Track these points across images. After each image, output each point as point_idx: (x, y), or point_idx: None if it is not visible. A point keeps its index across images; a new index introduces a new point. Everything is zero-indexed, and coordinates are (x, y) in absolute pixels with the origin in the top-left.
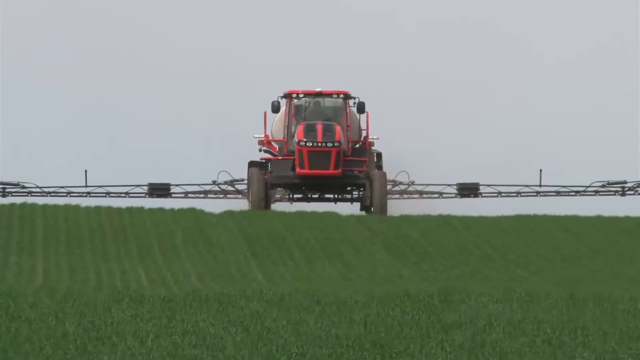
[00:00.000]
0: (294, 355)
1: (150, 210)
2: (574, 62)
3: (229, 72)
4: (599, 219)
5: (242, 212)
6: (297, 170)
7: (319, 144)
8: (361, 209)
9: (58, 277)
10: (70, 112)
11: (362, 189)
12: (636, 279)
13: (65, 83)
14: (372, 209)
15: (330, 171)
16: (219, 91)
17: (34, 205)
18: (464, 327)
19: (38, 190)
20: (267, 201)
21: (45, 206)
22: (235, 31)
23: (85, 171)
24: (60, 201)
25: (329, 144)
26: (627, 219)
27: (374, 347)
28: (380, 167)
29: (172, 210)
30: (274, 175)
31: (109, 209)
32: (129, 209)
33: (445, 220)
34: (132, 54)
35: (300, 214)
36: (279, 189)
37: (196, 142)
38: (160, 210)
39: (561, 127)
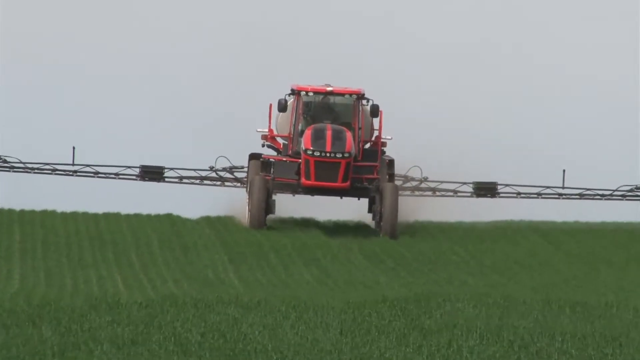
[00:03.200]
0: None
1: (127, 215)
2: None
3: (235, 57)
4: (575, 224)
5: (219, 218)
6: (302, 180)
7: (328, 154)
8: (372, 219)
9: (35, 283)
10: (62, 85)
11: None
12: (612, 284)
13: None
14: (381, 230)
15: (338, 184)
16: (222, 78)
17: (10, 211)
18: (441, 333)
19: (21, 165)
20: (267, 211)
21: (22, 212)
22: (245, 25)
23: (74, 148)
24: (44, 180)
25: (338, 155)
26: (604, 224)
27: (352, 353)
28: (391, 176)
29: (148, 215)
30: (276, 183)
31: (85, 214)
32: (106, 215)
33: (422, 226)
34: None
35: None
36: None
37: (195, 124)
38: (137, 215)
39: (588, 126)
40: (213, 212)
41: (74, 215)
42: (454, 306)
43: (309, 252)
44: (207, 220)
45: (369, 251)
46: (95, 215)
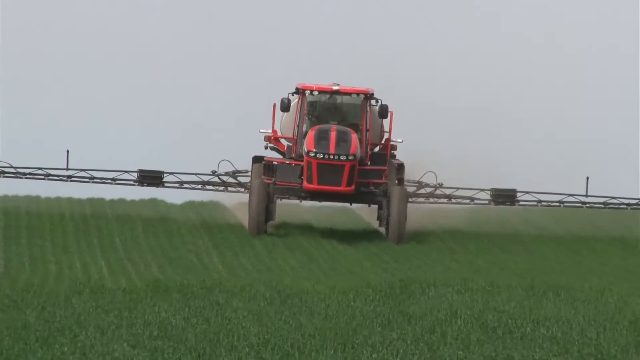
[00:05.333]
0: (256, 345)
1: (111, 201)
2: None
3: (238, 57)
4: (560, 210)
5: (203, 203)
6: (305, 184)
7: (331, 157)
8: (380, 225)
9: (19, 268)
10: (57, 85)
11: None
12: (595, 270)
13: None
14: (388, 234)
15: (342, 188)
16: (226, 77)
17: None
18: (425, 318)
19: (12, 170)
20: (267, 217)
21: (5, 197)
22: (248, 23)
23: (67, 151)
24: (35, 185)
25: (342, 157)
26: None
27: (336, 338)
28: (401, 181)
29: (132, 201)
30: (278, 187)
31: (69, 200)
32: (90, 200)
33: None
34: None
35: None
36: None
37: (197, 128)
38: (121, 200)
39: (613, 132)
40: (197, 198)
41: (58, 200)
42: (438, 292)
43: (293, 238)
44: (191, 205)
45: (353, 237)
46: (80, 201)
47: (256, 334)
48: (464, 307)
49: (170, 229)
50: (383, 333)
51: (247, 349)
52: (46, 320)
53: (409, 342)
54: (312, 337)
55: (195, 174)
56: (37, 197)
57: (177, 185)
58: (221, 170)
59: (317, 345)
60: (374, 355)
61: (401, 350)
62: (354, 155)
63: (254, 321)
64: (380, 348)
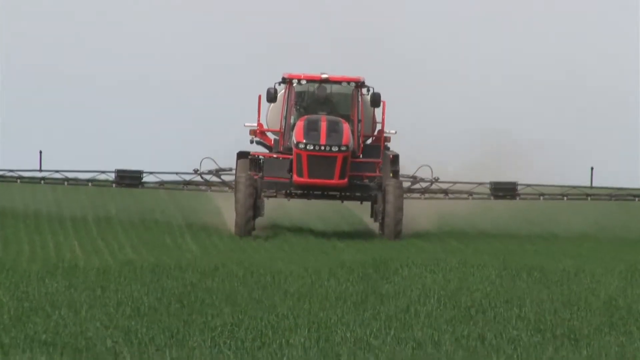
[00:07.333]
0: (229, 325)
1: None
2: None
3: (219, 48)
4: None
5: (174, 183)
6: (295, 177)
7: (322, 148)
8: (375, 221)
9: None
10: (27, 85)
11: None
12: (570, 251)
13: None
14: (384, 231)
15: (335, 181)
16: (207, 69)
17: None
18: (398, 298)
19: None
20: (255, 214)
21: None
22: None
23: (40, 152)
24: (7, 186)
25: (334, 149)
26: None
27: (309, 317)
28: (396, 173)
29: (106, 181)
30: (265, 182)
31: (43, 179)
32: (62, 178)
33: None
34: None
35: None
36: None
37: (176, 125)
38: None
39: (617, 121)
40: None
41: (32, 181)
42: (411, 271)
43: (268, 220)
44: (161, 183)
45: (325, 217)
46: (54, 181)
47: (230, 314)
48: (437, 286)
49: (143, 210)
50: (356, 312)
51: (220, 329)
52: (19, 300)
53: (382, 321)
54: (285, 317)
55: (176, 173)
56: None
57: (157, 185)
58: (204, 169)
59: (290, 325)
60: (347, 334)
61: (374, 329)
62: (347, 146)
63: (227, 301)
64: (354, 327)
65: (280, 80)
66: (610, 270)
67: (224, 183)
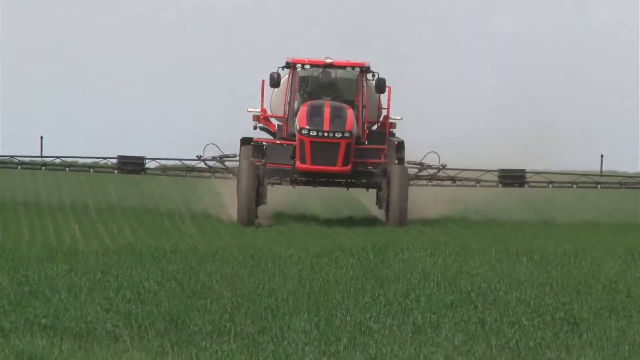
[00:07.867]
0: (229, 309)
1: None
2: None
3: (222, 33)
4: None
5: (177, 169)
6: (297, 164)
7: (325, 134)
8: (380, 208)
9: None
10: (30, 70)
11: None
12: (569, 234)
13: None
14: (388, 218)
15: (338, 168)
16: (210, 53)
17: None
18: (398, 281)
19: None
20: (257, 201)
21: None
22: None
23: (41, 137)
24: (9, 174)
25: (338, 135)
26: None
27: (309, 301)
28: (401, 160)
29: (105, 164)
30: (268, 168)
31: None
32: (63, 164)
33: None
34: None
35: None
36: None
37: (179, 110)
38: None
39: (627, 107)
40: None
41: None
42: (411, 255)
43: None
44: (162, 169)
45: (326, 200)
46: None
47: (229, 298)
48: (437, 270)
49: (143, 193)
50: (356, 296)
51: (220, 313)
52: (19, 284)
53: (382, 305)
54: (285, 301)
55: (179, 160)
56: (10, 161)
57: (159, 172)
58: (207, 155)
59: (290, 309)
60: (347, 318)
61: (374, 313)
62: (350, 132)
63: (227, 285)
64: (354, 311)
65: (283, 64)
66: (611, 254)
67: (227, 169)
